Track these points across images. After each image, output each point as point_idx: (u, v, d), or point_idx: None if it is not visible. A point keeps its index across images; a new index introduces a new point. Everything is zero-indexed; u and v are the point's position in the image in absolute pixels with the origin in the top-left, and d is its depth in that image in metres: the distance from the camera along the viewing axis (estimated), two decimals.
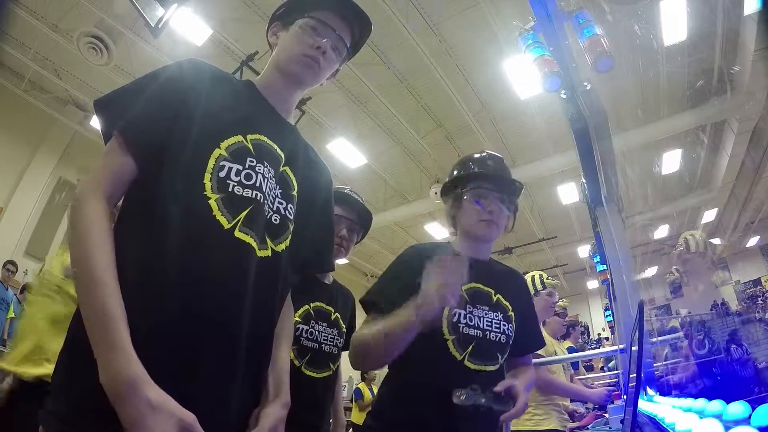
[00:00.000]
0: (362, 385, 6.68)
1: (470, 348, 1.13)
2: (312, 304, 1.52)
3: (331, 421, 1.68)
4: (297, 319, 1.46)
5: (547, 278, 2.79)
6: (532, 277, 2.81)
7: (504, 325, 1.19)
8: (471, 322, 1.15)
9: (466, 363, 1.12)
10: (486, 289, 1.22)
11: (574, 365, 3.72)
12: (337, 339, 1.55)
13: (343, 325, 1.60)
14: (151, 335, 0.66)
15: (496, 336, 1.17)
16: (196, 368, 0.69)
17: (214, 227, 0.73)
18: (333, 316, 1.56)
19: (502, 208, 1.23)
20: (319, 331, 1.50)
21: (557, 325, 3.17)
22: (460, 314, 1.15)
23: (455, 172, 1.33)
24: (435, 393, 1.06)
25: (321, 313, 1.53)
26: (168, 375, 0.64)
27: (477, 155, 1.34)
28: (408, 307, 0.98)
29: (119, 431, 0.59)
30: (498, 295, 1.23)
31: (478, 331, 1.15)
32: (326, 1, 0.92)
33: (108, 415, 0.59)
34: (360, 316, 1.54)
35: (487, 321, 1.17)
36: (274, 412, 0.77)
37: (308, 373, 1.46)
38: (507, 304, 1.23)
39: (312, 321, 1.50)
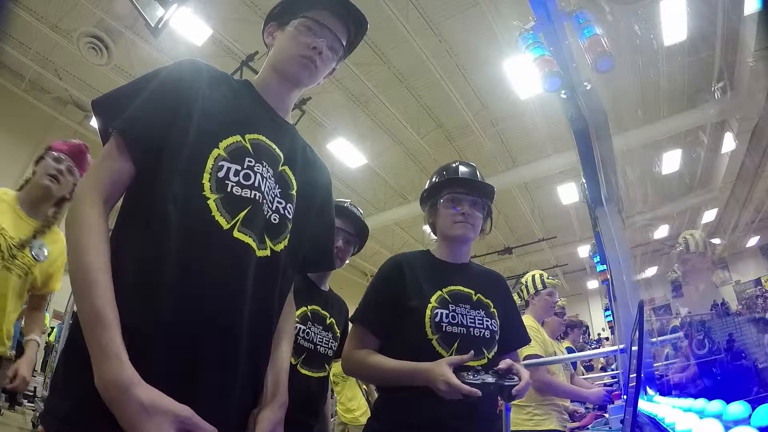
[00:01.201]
0: None
1: (455, 345, 1.16)
2: (309, 307, 1.57)
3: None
4: (295, 319, 1.49)
5: (547, 278, 2.79)
6: (533, 276, 2.80)
7: (487, 320, 1.22)
8: (454, 320, 1.18)
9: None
10: (466, 290, 1.26)
11: (572, 365, 3.71)
12: (332, 342, 1.61)
13: (338, 330, 1.66)
14: (152, 335, 0.66)
15: (480, 331, 1.20)
16: (196, 368, 0.69)
17: (213, 227, 0.73)
18: (328, 321, 1.62)
19: (475, 210, 1.29)
20: (315, 333, 1.56)
21: (556, 324, 3.17)
22: (442, 314, 1.18)
23: (431, 181, 1.40)
24: (428, 392, 1.08)
25: (317, 316, 1.59)
26: (168, 375, 0.64)
27: (452, 164, 1.40)
28: (421, 368, 1.07)
29: (118, 430, 0.59)
30: (478, 295, 1.26)
31: (462, 329, 1.18)
32: (322, 0, 0.92)
33: (107, 415, 0.59)
34: None
35: (470, 318, 1.20)
36: (272, 413, 0.77)
37: (303, 371, 1.50)
38: (488, 301, 1.26)
39: (309, 322, 1.55)
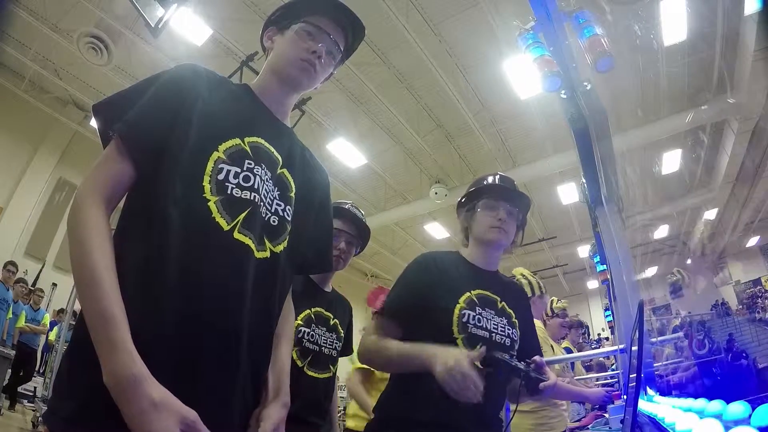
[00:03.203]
0: None
1: (478, 347, 1.15)
2: (313, 309, 1.59)
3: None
4: (299, 322, 1.54)
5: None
6: (522, 275, 2.72)
7: (509, 329, 1.25)
8: (479, 323, 1.20)
9: (475, 363, 1.13)
10: (492, 296, 1.28)
11: (570, 365, 3.69)
12: (336, 343, 1.63)
13: (342, 330, 1.68)
14: (153, 337, 0.66)
15: (502, 338, 1.22)
16: (197, 369, 0.70)
17: (213, 229, 0.74)
18: (332, 322, 1.64)
19: (510, 219, 1.32)
20: (319, 335, 1.58)
21: (556, 327, 3.12)
22: (469, 315, 1.19)
23: (469, 189, 1.43)
24: (443, 391, 1.07)
25: (321, 317, 1.61)
26: (169, 376, 0.64)
27: (490, 175, 1.45)
28: (431, 352, 1.05)
29: (122, 430, 0.59)
30: (503, 303, 1.29)
31: (485, 332, 1.20)
32: (321, 6, 0.94)
33: (111, 414, 0.59)
34: (358, 324, 1.58)
35: (493, 324, 1.22)
36: (274, 413, 0.78)
37: (310, 373, 1.52)
38: (511, 311, 1.29)
39: (313, 324, 1.57)
